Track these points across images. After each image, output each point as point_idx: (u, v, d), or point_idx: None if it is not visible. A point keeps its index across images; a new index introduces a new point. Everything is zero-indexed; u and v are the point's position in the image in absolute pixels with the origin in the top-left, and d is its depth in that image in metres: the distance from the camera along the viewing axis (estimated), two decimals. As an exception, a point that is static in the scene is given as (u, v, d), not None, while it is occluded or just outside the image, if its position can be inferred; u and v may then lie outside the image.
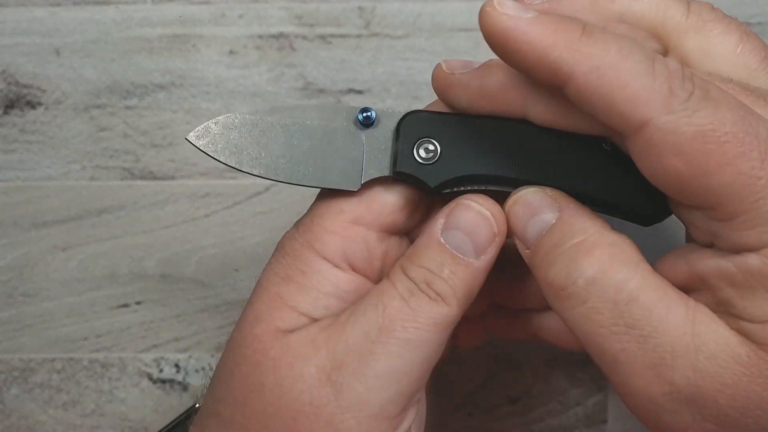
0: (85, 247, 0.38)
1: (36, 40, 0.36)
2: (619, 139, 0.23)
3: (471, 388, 0.40)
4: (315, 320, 0.25)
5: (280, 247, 0.26)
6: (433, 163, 0.25)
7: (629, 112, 0.21)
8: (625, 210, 0.25)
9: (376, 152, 0.26)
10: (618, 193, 0.25)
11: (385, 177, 0.26)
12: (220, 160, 0.26)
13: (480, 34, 0.36)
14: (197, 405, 0.33)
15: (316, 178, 0.26)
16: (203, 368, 0.40)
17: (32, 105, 0.37)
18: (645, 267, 0.23)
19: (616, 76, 0.21)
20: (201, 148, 0.25)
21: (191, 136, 0.25)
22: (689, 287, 0.23)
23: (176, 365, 0.39)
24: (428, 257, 0.25)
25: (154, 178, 0.38)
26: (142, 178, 0.38)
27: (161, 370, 0.40)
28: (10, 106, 0.37)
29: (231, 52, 0.36)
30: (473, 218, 0.25)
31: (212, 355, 0.39)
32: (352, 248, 0.25)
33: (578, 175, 0.25)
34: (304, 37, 0.36)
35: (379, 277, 0.26)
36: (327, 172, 0.25)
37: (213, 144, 0.25)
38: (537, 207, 0.24)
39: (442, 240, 0.25)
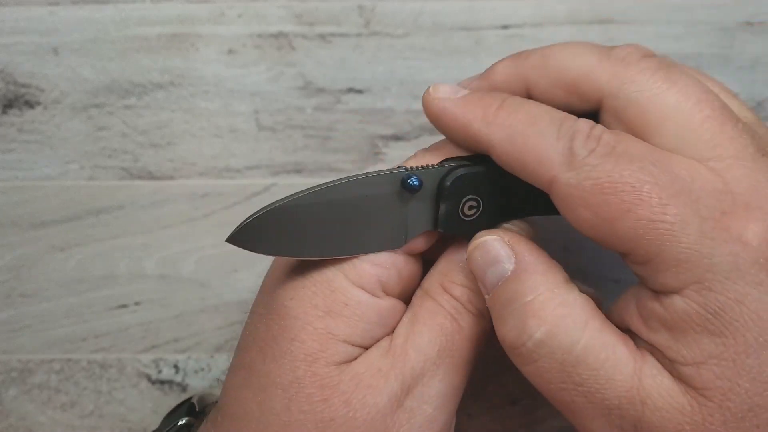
0: (84, 248, 0.38)
1: (34, 40, 0.36)
2: None
3: (471, 389, 0.40)
4: (365, 348, 0.26)
5: (306, 275, 0.26)
6: (475, 218, 0.26)
7: (538, 172, 0.23)
8: None
9: (419, 212, 0.26)
10: None
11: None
12: (265, 253, 0.25)
13: (480, 34, 0.36)
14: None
15: (361, 246, 0.26)
16: (202, 369, 0.39)
17: (30, 104, 0.37)
18: (594, 326, 0.24)
19: (523, 141, 0.24)
20: (243, 248, 0.25)
21: (231, 239, 0.24)
22: (639, 330, 0.24)
23: (175, 366, 0.39)
24: (468, 276, 0.26)
25: (153, 178, 0.37)
26: (140, 178, 0.37)
27: (160, 371, 0.39)
28: (9, 105, 0.37)
29: (230, 51, 0.36)
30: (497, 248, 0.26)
31: (211, 356, 0.39)
32: (386, 275, 0.26)
33: None
34: (304, 36, 0.36)
35: (403, 293, 0.27)
36: (372, 240, 0.26)
37: (253, 243, 0.25)
38: (495, 256, 0.25)
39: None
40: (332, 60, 0.36)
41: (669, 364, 0.23)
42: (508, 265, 0.25)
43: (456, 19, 0.36)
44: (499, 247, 0.25)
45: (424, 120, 0.37)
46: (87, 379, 0.40)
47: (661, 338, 0.23)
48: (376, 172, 0.25)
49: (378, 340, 0.26)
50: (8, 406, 0.40)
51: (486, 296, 0.25)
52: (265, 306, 0.27)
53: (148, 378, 0.40)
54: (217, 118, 0.37)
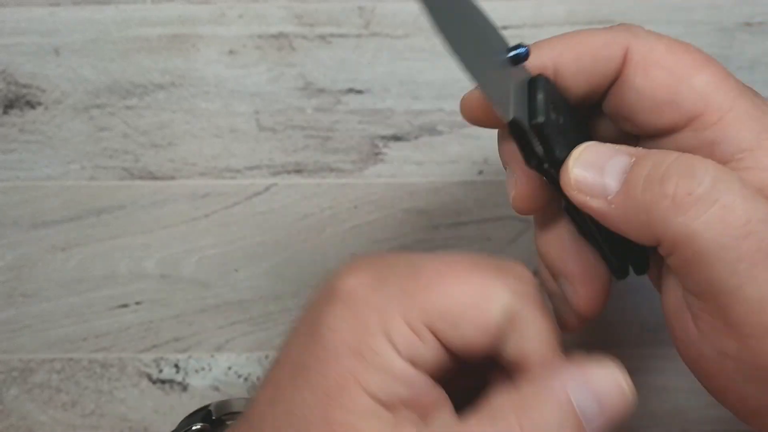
0: (85, 247, 0.38)
1: (35, 40, 0.36)
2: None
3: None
4: (383, 403, 0.22)
5: (352, 307, 0.23)
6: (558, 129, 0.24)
7: None
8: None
9: (516, 94, 0.24)
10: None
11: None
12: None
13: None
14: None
15: (482, 76, 0.23)
16: (203, 368, 0.39)
17: (31, 105, 0.37)
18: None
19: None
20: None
21: None
22: None
23: (176, 365, 0.39)
24: (551, 415, 0.21)
25: (154, 178, 0.37)
26: (141, 178, 0.38)
27: (161, 371, 0.39)
28: (10, 106, 0.37)
29: (231, 51, 0.36)
30: (610, 385, 0.22)
31: (212, 355, 0.39)
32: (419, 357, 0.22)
33: None
34: (304, 37, 0.36)
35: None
36: (489, 76, 0.23)
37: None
38: (608, 151, 0.23)
39: (573, 400, 0.21)
40: (332, 61, 0.36)
41: None
42: (626, 157, 0.22)
43: (456, 19, 0.36)
44: (607, 146, 0.23)
45: (423, 120, 0.37)
46: (88, 379, 0.40)
47: None
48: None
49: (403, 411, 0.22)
50: (9, 405, 0.40)
51: (607, 206, 0.22)
52: (309, 324, 0.24)
53: (149, 377, 0.40)
54: (218, 119, 0.37)
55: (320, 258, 0.38)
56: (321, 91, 0.37)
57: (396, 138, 0.37)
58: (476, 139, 0.37)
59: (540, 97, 0.23)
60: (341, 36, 0.36)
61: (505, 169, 0.26)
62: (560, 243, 0.26)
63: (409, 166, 0.37)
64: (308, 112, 0.37)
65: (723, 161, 0.22)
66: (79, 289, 0.39)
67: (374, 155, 0.37)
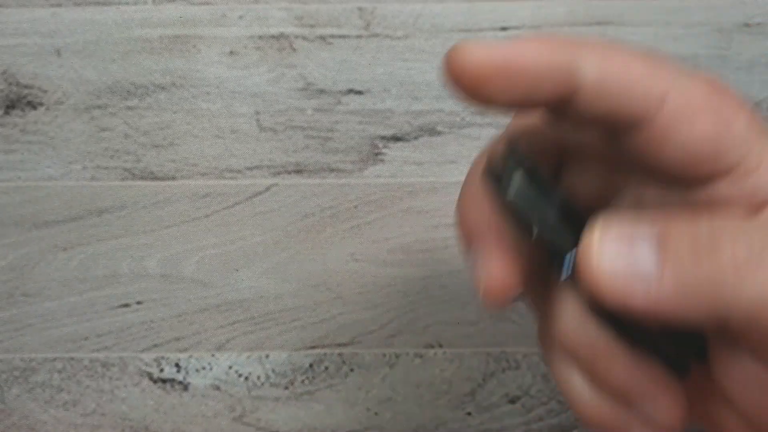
0: (86, 247, 0.38)
1: (37, 41, 0.36)
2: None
3: (470, 388, 0.40)
4: None
5: None
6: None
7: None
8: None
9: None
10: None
11: None
12: None
13: (479, 35, 0.36)
14: None
15: None
16: (203, 368, 0.40)
17: (33, 105, 0.37)
18: None
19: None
20: None
21: None
22: None
23: (177, 365, 0.40)
24: None
25: (155, 178, 0.38)
26: (142, 178, 0.38)
27: (162, 370, 0.40)
28: (11, 106, 0.37)
29: (231, 52, 0.36)
30: None
31: (212, 355, 0.39)
32: None
33: None
34: (305, 38, 0.36)
35: None
36: None
37: None
38: (631, 230, 0.18)
39: None
40: (333, 61, 0.36)
41: None
42: (650, 227, 0.18)
43: (455, 20, 0.36)
44: (627, 222, 0.18)
45: (423, 120, 0.37)
46: (89, 378, 0.40)
47: None
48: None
49: None
50: (11, 404, 0.40)
51: (656, 289, 0.18)
52: None
53: (150, 377, 0.40)
54: (219, 119, 0.37)
55: (320, 258, 0.38)
56: (321, 91, 0.37)
57: (396, 138, 0.37)
58: (476, 140, 0.37)
59: (516, 175, 0.20)
60: (341, 37, 0.36)
61: (468, 250, 0.22)
62: (612, 358, 0.20)
63: (408, 166, 0.37)
64: (308, 112, 0.37)
65: (764, 205, 0.19)
66: (81, 288, 0.39)
67: (374, 155, 0.37)
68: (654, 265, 0.18)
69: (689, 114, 0.19)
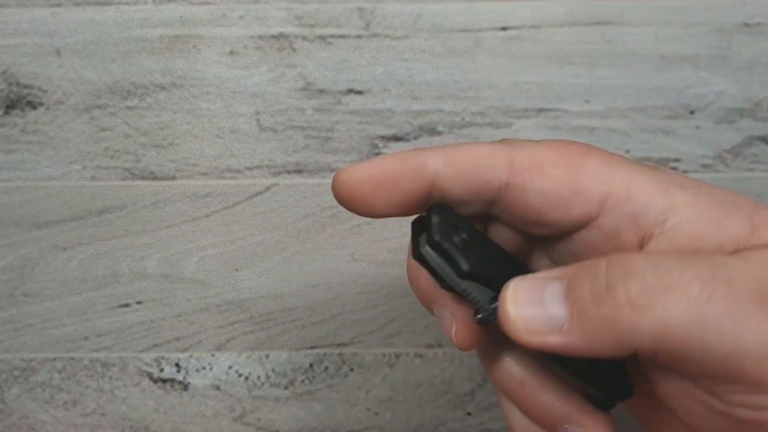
0: (86, 247, 0.38)
1: (37, 41, 0.36)
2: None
3: (470, 387, 0.40)
4: None
5: None
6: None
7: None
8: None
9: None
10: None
11: None
12: None
13: (479, 35, 0.36)
14: None
15: None
16: (203, 368, 0.40)
17: (33, 105, 0.37)
18: None
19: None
20: None
21: None
22: None
23: (177, 365, 0.40)
24: None
25: (155, 178, 0.38)
26: (142, 178, 0.38)
27: (162, 370, 0.40)
28: (11, 106, 0.37)
29: (231, 52, 0.36)
30: None
31: (212, 355, 0.40)
32: None
33: None
34: (305, 38, 0.36)
35: None
36: None
37: None
38: (538, 283, 0.21)
39: None
40: (333, 61, 0.36)
41: None
42: (559, 282, 0.20)
43: (455, 20, 0.36)
44: (534, 277, 0.21)
45: (423, 120, 0.37)
46: (89, 378, 0.40)
47: None
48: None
49: None
50: (11, 404, 0.40)
51: (566, 332, 0.20)
52: None
53: (150, 376, 0.40)
54: (219, 119, 0.37)
55: (320, 258, 0.38)
56: (321, 91, 0.37)
57: (396, 138, 0.37)
58: (475, 140, 0.37)
59: (435, 220, 0.22)
60: (341, 37, 0.36)
61: (431, 311, 0.24)
62: (536, 393, 0.24)
63: (408, 166, 0.37)
64: (308, 112, 0.37)
65: (651, 228, 0.22)
66: (81, 288, 0.39)
67: (374, 155, 0.37)
68: (562, 309, 0.20)
69: (536, 166, 0.22)
